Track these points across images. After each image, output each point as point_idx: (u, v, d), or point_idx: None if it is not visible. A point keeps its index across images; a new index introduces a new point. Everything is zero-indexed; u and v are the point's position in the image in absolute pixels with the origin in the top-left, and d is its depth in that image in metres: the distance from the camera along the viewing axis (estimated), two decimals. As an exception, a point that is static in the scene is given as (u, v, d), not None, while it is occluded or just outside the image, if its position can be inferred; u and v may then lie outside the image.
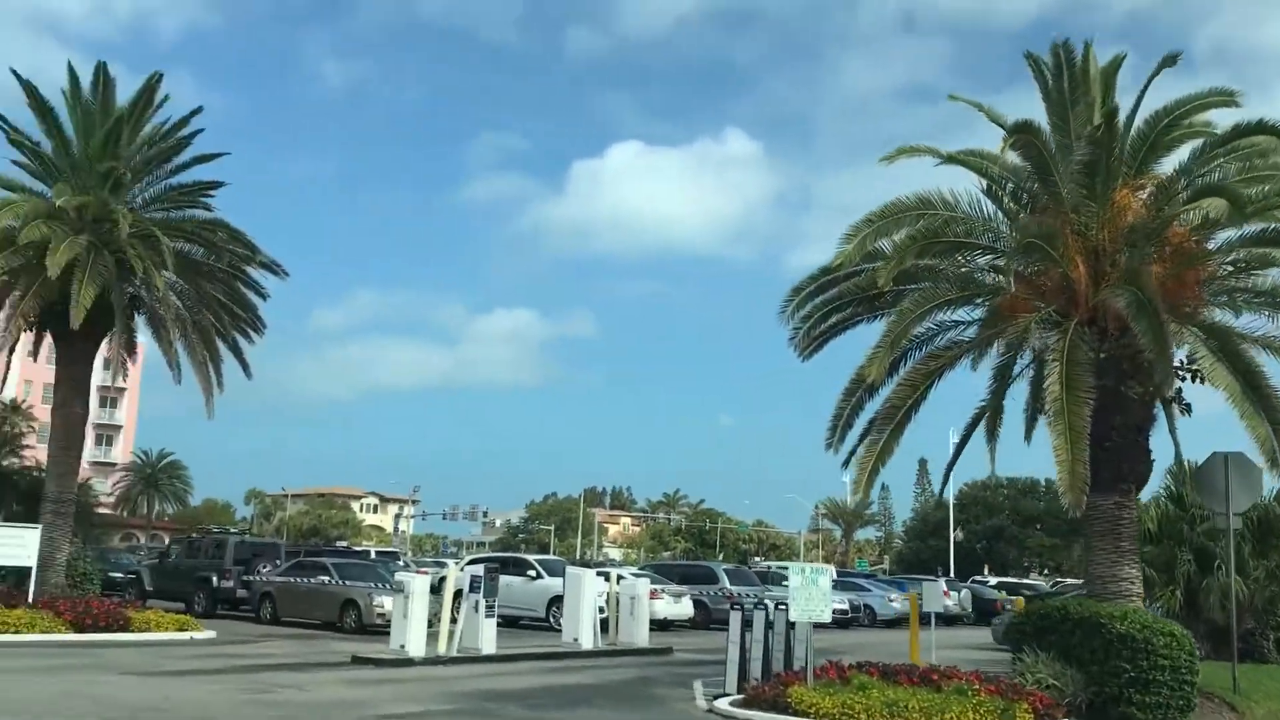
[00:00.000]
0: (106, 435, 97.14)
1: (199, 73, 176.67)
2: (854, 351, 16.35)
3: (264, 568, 28.35)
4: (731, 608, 16.60)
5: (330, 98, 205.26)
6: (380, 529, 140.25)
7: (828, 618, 14.90)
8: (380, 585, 25.62)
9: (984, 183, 16.47)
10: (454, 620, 19.50)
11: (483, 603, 19.59)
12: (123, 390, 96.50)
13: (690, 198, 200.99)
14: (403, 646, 18.66)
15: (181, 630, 21.44)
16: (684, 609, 31.54)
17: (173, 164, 23.73)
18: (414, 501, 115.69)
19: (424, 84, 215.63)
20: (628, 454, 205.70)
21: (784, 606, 14.83)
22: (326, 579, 26.10)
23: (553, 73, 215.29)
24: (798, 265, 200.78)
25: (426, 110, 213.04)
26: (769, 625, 15.40)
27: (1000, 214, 16.48)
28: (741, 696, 14.40)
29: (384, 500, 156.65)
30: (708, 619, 33.25)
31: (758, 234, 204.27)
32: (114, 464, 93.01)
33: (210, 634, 21.94)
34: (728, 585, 34.06)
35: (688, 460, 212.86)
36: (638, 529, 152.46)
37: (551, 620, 28.83)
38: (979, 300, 16.23)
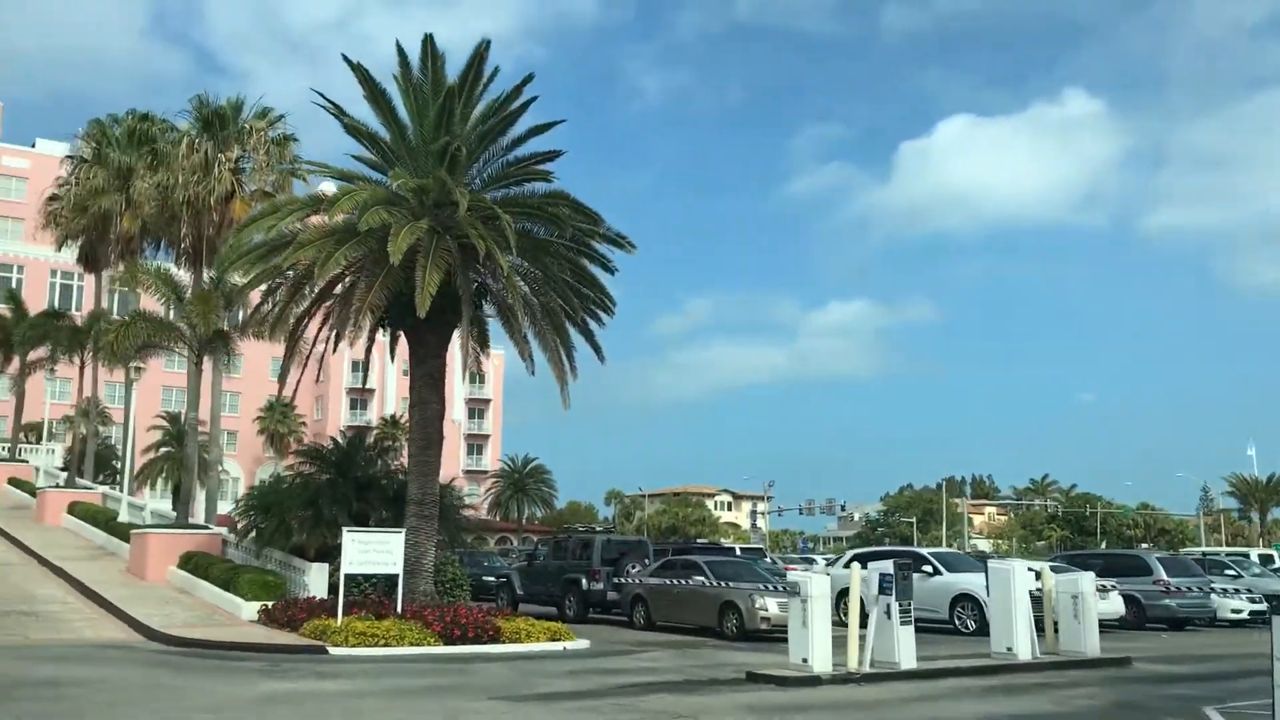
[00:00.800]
0: (477, 444, 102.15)
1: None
2: None
3: (633, 567, 26.24)
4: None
5: (651, 110, 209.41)
6: (735, 526, 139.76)
7: None
8: (763, 586, 22.71)
9: None
10: (863, 628, 16.06)
11: (895, 606, 16.01)
12: (488, 401, 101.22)
13: (1029, 167, 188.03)
14: (805, 661, 15.43)
15: (554, 640, 19.43)
16: (1114, 606, 26.42)
17: (508, 137, 21.95)
18: (768, 497, 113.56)
19: (743, 85, 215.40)
20: (982, 440, 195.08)
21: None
22: (702, 580, 23.50)
23: (871, 56, 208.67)
24: (1160, 226, 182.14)
25: (747, 111, 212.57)
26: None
27: None
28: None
29: (737, 497, 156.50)
30: (1141, 617, 28.05)
31: (1107, 197, 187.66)
32: (485, 471, 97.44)
33: (583, 644, 19.80)
34: (1164, 576, 28.58)
35: (1049, 443, 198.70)
36: (1003, 518, 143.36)
37: (956, 622, 24.90)
38: None
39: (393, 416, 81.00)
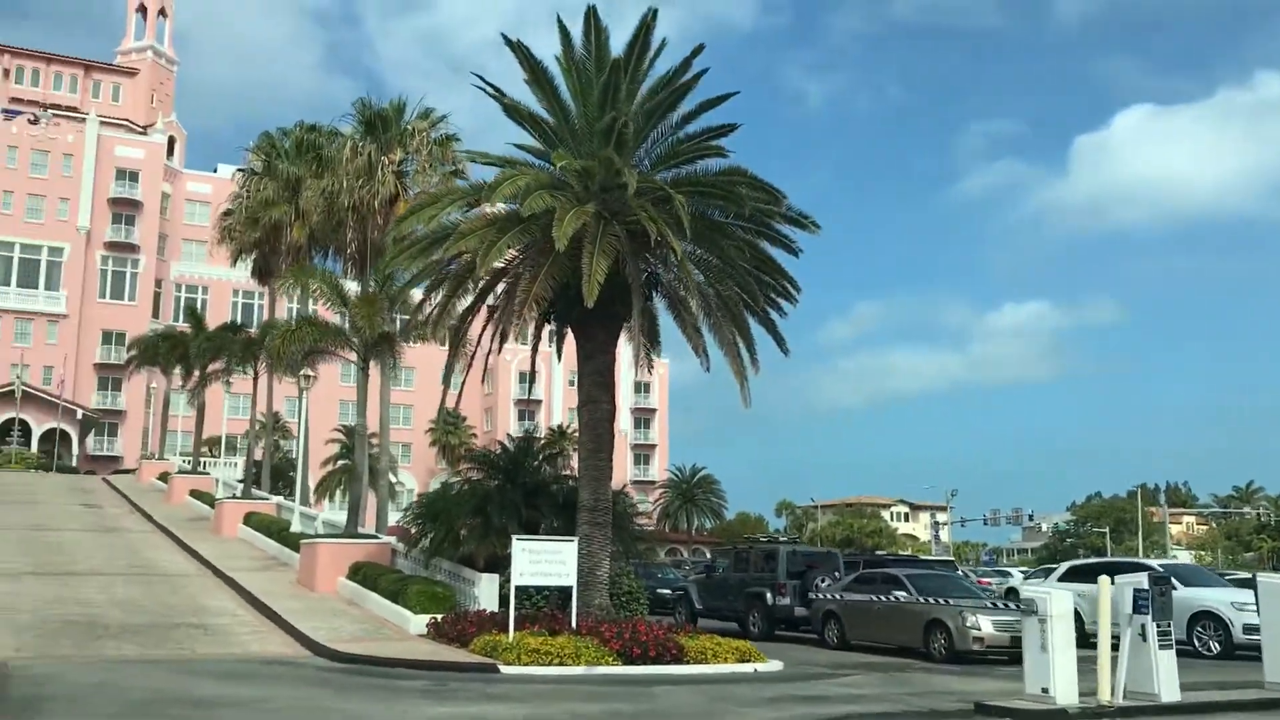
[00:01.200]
0: (643, 454, 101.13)
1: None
2: None
3: (822, 581, 24.10)
4: None
5: (811, 116, 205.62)
6: (913, 538, 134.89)
7: None
8: (974, 602, 20.30)
9: None
10: (1114, 651, 13.57)
11: (1153, 627, 13.48)
12: (653, 410, 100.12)
13: (1216, 156, 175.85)
14: (1045, 691, 13.06)
15: (743, 661, 17.51)
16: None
17: (677, 113, 20.24)
18: (947, 508, 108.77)
19: (904, 86, 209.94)
20: (1176, 445, 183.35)
21: None
22: (903, 595, 21.19)
23: (1041, 48, 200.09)
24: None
25: (909, 112, 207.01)
26: None
27: None
28: None
29: (913, 508, 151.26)
30: None
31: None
32: (652, 481, 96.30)
33: (775, 665, 17.83)
34: None
35: (1250, 448, 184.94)
36: (1203, 528, 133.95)
37: (1196, 644, 21.87)
38: None
39: (560, 427, 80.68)
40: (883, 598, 21.68)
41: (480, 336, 21.87)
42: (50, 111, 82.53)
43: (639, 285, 18.87)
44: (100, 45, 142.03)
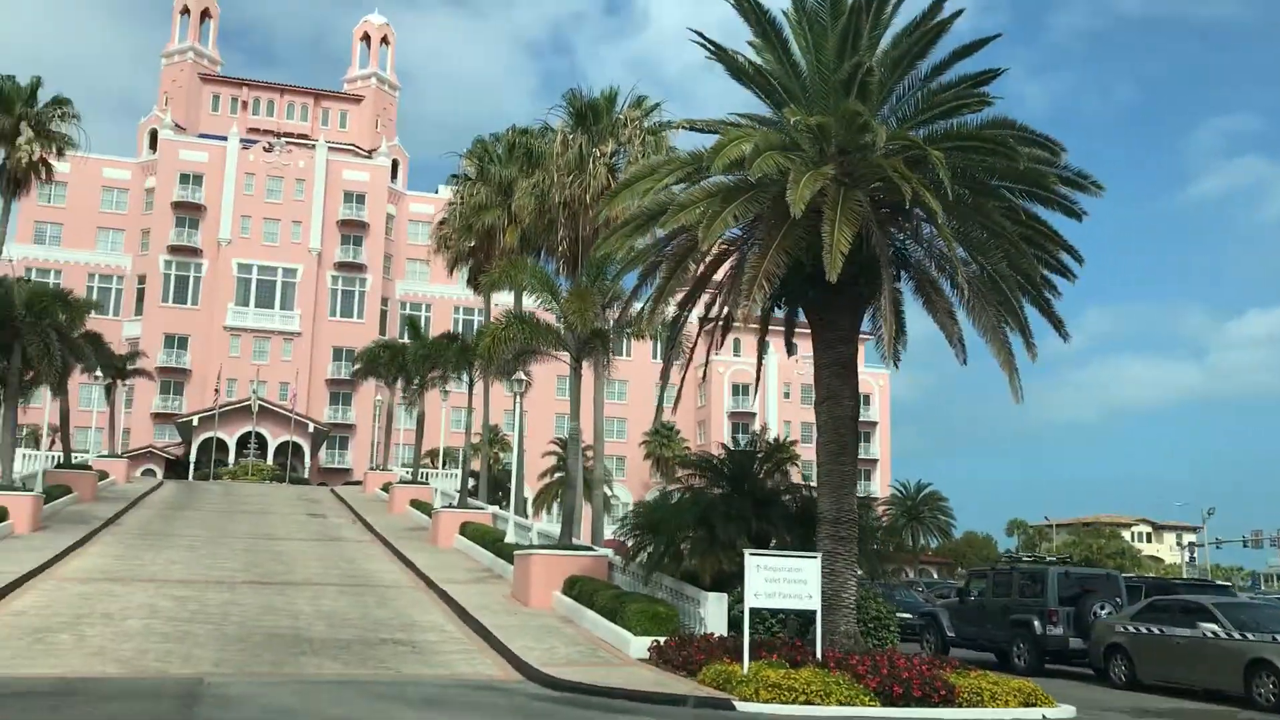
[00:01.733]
0: (864, 469, 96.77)
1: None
2: None
3: (1101, 608, 20.62)
4: None
5: (1034, 117, 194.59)
6: (1157, 559, 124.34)
7: None
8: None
9: None
10: None
11: None
12: (874, 424, 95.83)
13: None
14: None
15: (1027, 704, 14.48)
16: None
17: (927, 63, 17.48)
18: (1199, 527, 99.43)
19: (1132, 83, 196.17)
20: None
21: None
22: (1214, 629, 17.57)
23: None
24: None
25: (1137, 111, 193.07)
26: None
27: None
28: None
29: (1157, 527, 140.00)
30: None
31: None
32: (874, 498, 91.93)
33: (1068, 711, 14.74)
34: None
35: None
36: None
37: None
38: None
39: (777, 440, 77.80)
40: (1185, 631, 18.09)
41: (699, 333, 19.77)
42: (284, 139, 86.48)
43: (888, 258, 16.20)
44: (328, 75, 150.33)
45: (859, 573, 17.85)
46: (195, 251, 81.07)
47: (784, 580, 15.51)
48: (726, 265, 18.41)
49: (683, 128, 17.70)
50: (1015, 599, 22.26)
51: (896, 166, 15.59)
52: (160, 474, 68.15)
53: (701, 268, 18.86)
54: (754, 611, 15.89)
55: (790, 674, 14.24)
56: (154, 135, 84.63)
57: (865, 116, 15.78)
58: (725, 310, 18.26)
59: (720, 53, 17.76)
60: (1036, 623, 21.20)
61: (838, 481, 17.36)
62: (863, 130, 16.26)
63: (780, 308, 18.80)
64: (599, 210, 23.07)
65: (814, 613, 15.71)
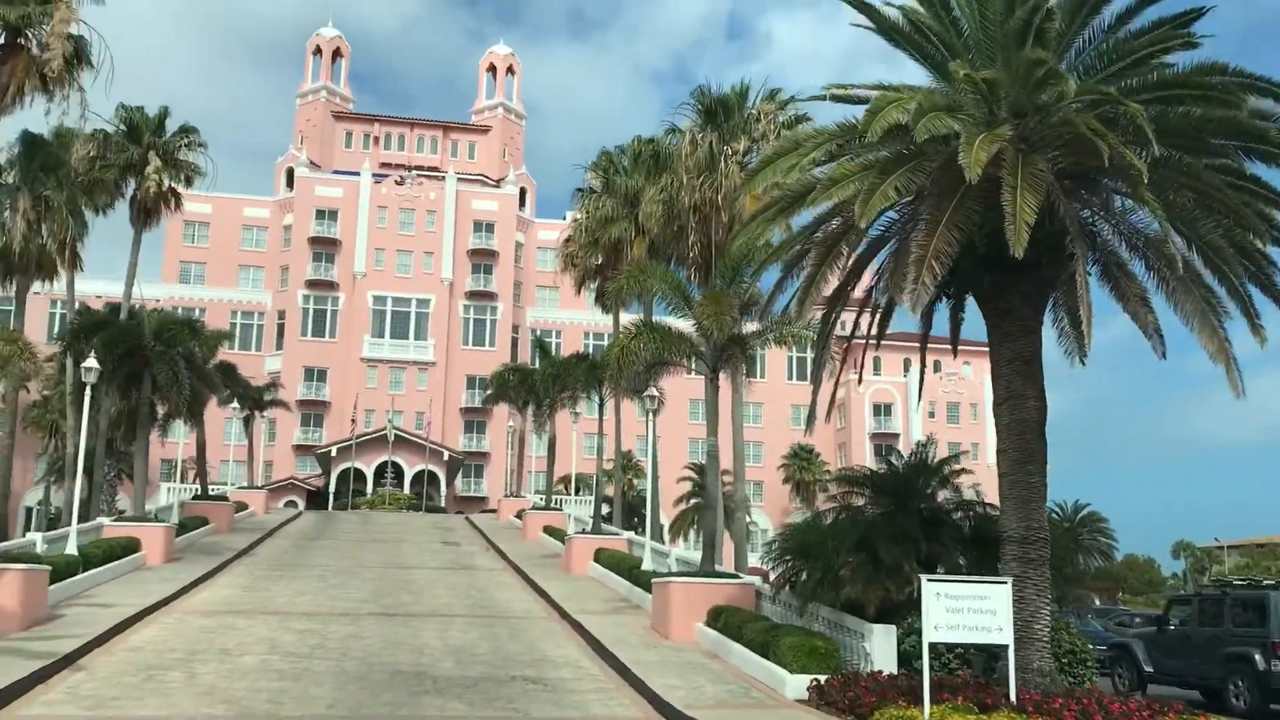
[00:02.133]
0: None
1: None
2: None
3: (1338, 641, 17.56)
4: None
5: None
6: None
7: None
8: None
9: None
10: None
11: None
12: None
13: None
14: None
15: (1283, 763, 11.87)
16: None
17: (1112, 9, 15.09)
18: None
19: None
20: None
21: None
22: None
23: None
24: None
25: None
26: None
27: None
28: None
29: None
30: None
31: None
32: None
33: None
34: None
35: None
36: None
37: None
38: None
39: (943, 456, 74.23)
40: None
41: (852, 334, 17.68)
42: (414, 172, 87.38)
43: (1079, 230, 13.85)
44: (456, 110, 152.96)
45: (1050, 600, 15.36)
46: (332, 285, 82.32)
47: (968, 610, 13.23)
48: (886, 248, 16.25)
49: (830, 96, 15.61)
50: (1228, 629, 19.31)
51: (1089, 123, 13.27)
52: (302, 505, 68.88)
53: (854, 258, 16.76)
54: (931, 646, 13.65)
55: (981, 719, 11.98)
56: (290, 173, 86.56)
57: (1050, 63, 13.53)
58: (883, 301, 16.09)
59: (869, 10, 15.71)
60: (1259, 656, 18.25)
61: (1024, 494, 14.99)
62: (1041, 86, 14.06)
63: (947, 298, 16.56)
64: (737, 193, 21.20)
65: (1004, 647, 13.38)
